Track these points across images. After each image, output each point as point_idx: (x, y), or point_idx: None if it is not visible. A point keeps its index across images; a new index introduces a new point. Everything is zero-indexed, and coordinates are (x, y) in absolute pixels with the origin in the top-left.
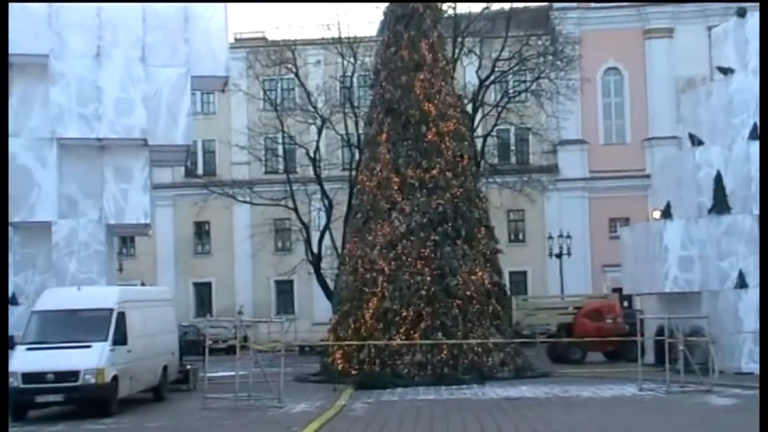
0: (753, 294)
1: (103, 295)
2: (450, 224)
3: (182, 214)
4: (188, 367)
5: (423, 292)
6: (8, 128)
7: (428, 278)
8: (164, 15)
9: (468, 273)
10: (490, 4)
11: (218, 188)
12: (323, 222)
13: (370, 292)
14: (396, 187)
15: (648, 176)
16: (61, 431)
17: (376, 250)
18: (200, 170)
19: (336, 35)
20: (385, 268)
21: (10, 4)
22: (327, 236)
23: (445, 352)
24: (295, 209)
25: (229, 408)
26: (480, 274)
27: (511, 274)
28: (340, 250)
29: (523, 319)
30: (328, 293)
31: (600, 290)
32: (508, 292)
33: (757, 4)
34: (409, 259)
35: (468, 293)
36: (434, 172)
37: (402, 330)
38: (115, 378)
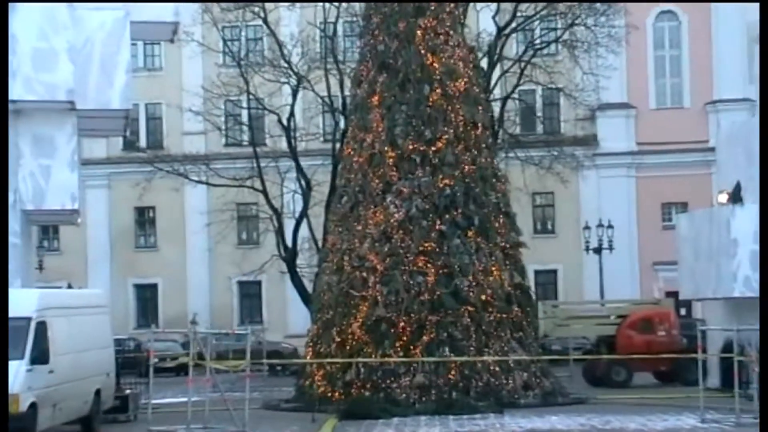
0: None
1: (17, 301)
2: (460, 210)
3: (120, 198)
4: (127, 391)
5: (425, 297)
6: (8, 127)
7: (432, 279)
8: None
9: (483, 272)
10: None
11: (166, 165)
12: (299, 208)
13: (358, 296)
14: (391, 164)
15: (712, 149)
16: None
17: (366, 243)
18: (143, 142)
19: None
20: (378, 266)
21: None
22: (304, 226)
23: (453, 372)
24: (264, 191)
25: None
26: (498, 273)
27: (537, 273)
28: (320, 243)
29: (552, 330)
30: (306, 298)
31: (650, 294)
32: (534, 297)
33: (757, 4)
34: (408, 255)
35: (483, 298)
36: (440, 144)
37: (399, 344)
38: (33, 406)
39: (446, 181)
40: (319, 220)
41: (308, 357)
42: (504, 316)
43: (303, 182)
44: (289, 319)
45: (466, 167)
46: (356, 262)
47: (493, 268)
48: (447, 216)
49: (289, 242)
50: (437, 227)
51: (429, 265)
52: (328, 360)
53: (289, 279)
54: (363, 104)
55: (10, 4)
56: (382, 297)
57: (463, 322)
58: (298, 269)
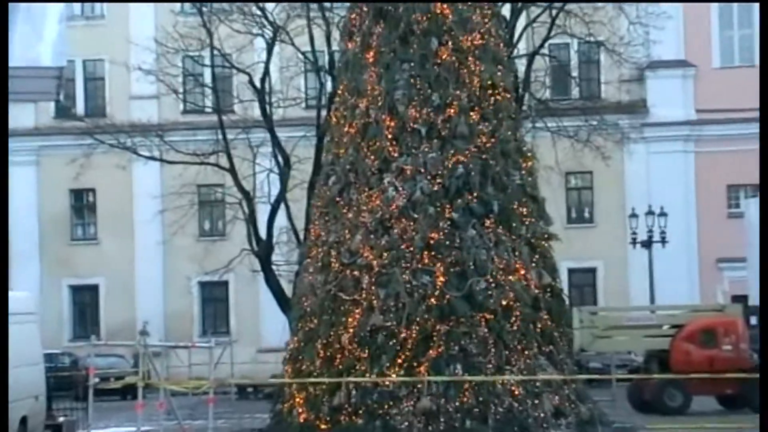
0: None
1: None
2: (475, 194)
3: (52, 178)
4: (61, 419)
5: (432, 302)
6: (8, 127)
7: (441, 279)
8: None
9: (503, 271)
10: None
11: (109, 137)
12: (275, 190)
13: (349, 300)
14: (390, 136)
15: None
16: None
17: (359, 234)
18: (80, 108)
19: None
20: (374, 263)
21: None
22: (282, 213)
23: (466, 395)
24: (232, 170)
25: None
26: (522, 272)
27: (571, 272)
28: (301, 235)
29: (590, 343)
30: (284, 302)
31: (712, 299)
32: (567, 302)
33: (757, 4)
34: (410, 250)
35: (503, 303)
36: (451, 111)
37: (399, 360)
38: None
39: (458, 157)
40: (301, 206)
41: (287, 376)
42: (530, 325)
43: (280, 159)
44: (262, 329)
45: (484, 140)
46: (347, 258)
47: (517, 266)
48: (459, 201)
49: (263, 233)
50: (447, 215)
51: (437, 261)
52: (312, 380)
53: (262, 279)
54: (355, 62)
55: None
56: (378, 301)
57: (480, 333)
58: (274, 267)
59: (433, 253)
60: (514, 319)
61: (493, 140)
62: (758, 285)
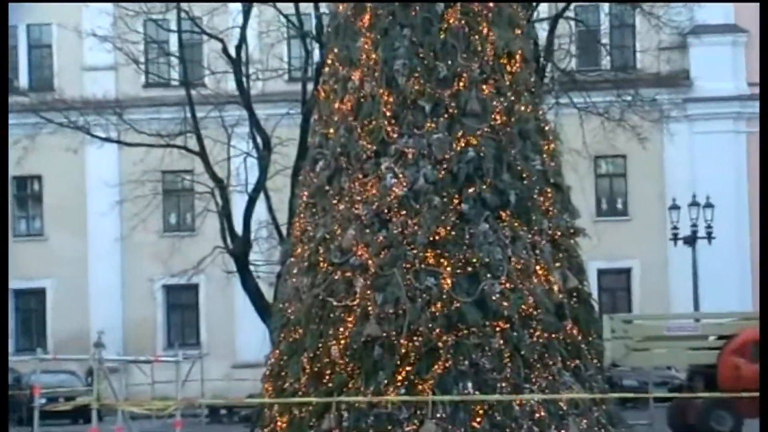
0: None
1: None
2: (489, 182)
3: None
4: None
5: (438, 308)
6: (8, 127)
7: (448, 282)
8: None
9: (522, 272)
10: None
11: (58, 115)
12: (254, 178)
13: (340, 307)
14: (389, 114)
15: None
16: None
17: (351, 229)
18: (23, 81)
19: None
20: (369, 263)
21: None
22: (261, 204)
23: (479, 418)
24: (203, 154)
25: None
26: (544, 274)
27: (601, 274)
28: (284, 230)
29: (624, 357)
30: (263, 309)
31: None
32: (597, 308)
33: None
34: (412, 247)
35: (522, 310)
36: (459, 85)
37: (400, 377)
38: None
39: (469, 138)
40: (284, 197)
41: (267, 396)
42: (553, 336)
43: (259, 140)
44: (238, 340)
45: (498, 119)
46: (337, 257)
47: (538, 267)
48: (470, 190)
49: (238, 228)
50: (455, 207)
51: (443, 261)
52: (297, 400)
53: (238, 282)
54: (347, 26)
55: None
56: (374, 308)
57: (494, 346)
58: (252, 268)
59: (438, 251)
60: (533, 328)
61: (509, 119)
62: (759, 284)
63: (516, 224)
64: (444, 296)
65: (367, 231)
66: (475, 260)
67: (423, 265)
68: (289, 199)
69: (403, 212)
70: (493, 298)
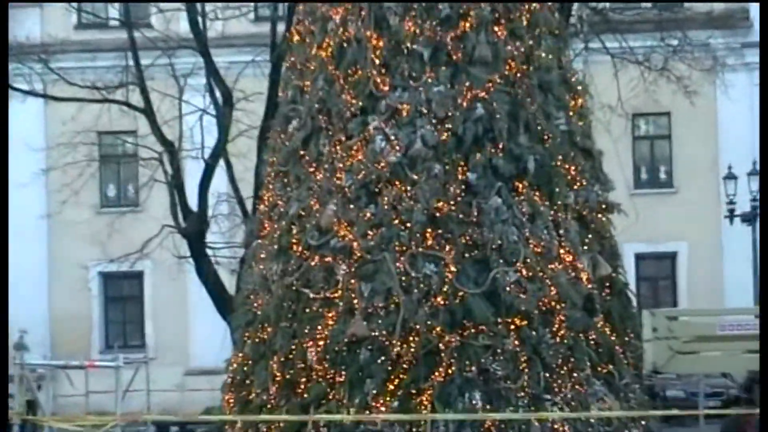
0: None
1: None
2: (502, 146)
3: None
4: None
5: (440, 301)
6: (8, 129)
7: (451, 269)
8: None
9: (542, 257)
10: None
11: None
12: (211, 141)
13: (319, 300)
14: (379, 62)
15: None
16: None
17: (332, 203)
18: None
19: None
20: (354, 246)
21: None
22: (220, 173)
23: None
24: (148, 111)
25: None
26: (569, 259)
27: (640, 259)
28: (249, 206)
29: (668, 361)
30: (223, 302)
31: None
32: (635, 301)
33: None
34: (408, 226)
35: (543, 303)
36: (465, 26)
37: (392, 386)
38: None
39: (477, 92)
40: (249, 164)
41: (228, 410)
42: (580, 335)
43: (218, 94)
44: (192, 341)
45: (514, 68)
46: (315, 238)
47: (562, 251)
48: (478, 156)
49: (192, 203)
50: (461, 176)
51: (446, 243)
52: (265, 417)
53: (192, 269)
54: None
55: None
56: (360, 301)
57: (507, 347)
58: (209, 251)
59: (439, 231)
60: (556, 326)
61: (526, 67)
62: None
63: (535, 198)
64: (446, 287)
65: (352, 206)
66: (484, 243)
67: (420, 249)
68: (255, 167)
69: (396, 183)
70: (507, 288)
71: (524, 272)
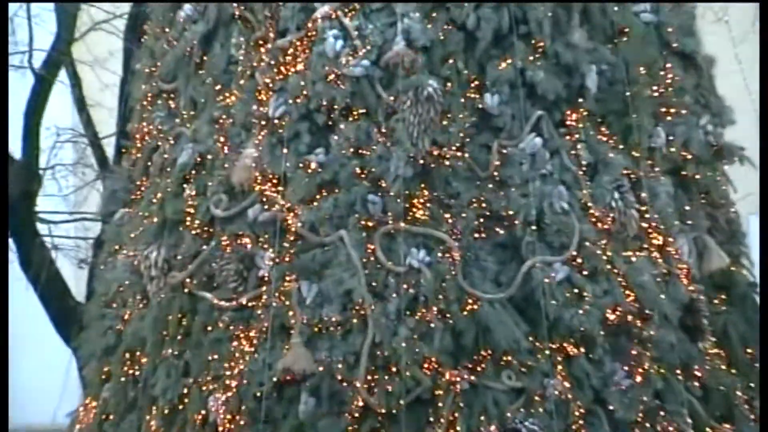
0: None
1: None
2: (541, 46)
3: None
4: None
5: (436, 312)
6: (8, 128)
7: (456, 257)
8: None
9: (612, 239)
10: None
11: None
12: (46, 42)
13: (229, 312)
14: None
15: None
16: None
17: (251, 147)
18: None
19: None
20: (289, 219)
21: None
22: (59, 101)
23: None
24: None
25: None
26: (658, 242)
27: None
28: (111, 152)
29: None
30: (66, 315)
31: None
32: None
33: (757, 4)
34: (382, 186)
35: (613, 317)
36: None
37: None
38: None
39: None
40: (109, 78)
41: None
42: (676, 371)
43: None
44: (14, 379)
45: None
46: (221, 204)
47: (646, 226)
48: (503, 64)
49: (15, 145)
50: (472, 98)
51: (445, 214)
52: None
53: (16, 262)
54: None
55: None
56: (300, 313)
57: (550, 392)
58: (41, 226)
59: (435, 193)
60: (636, 356)
61: None
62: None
63: (600, 137)
64: (446, 288)
65: (285, 151)
66: (511, 213)
67: (403, 224)
68: (119, 84)
69: (361, 110)
70: (551, 293)
71: (579, 264)
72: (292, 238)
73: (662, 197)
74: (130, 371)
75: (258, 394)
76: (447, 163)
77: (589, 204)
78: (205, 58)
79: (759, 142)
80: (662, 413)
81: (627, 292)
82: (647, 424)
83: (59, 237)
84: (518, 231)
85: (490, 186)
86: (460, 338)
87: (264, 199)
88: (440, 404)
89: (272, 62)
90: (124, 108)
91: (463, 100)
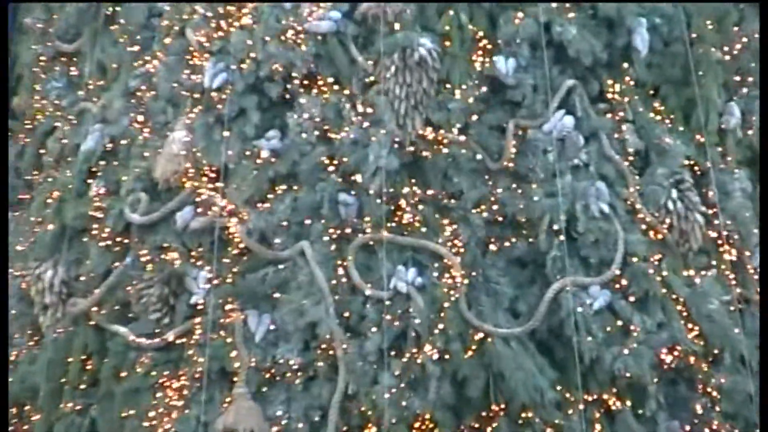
0: None
1: None
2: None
3: None
4: None
5: (431, 353)
6: (8, 126)
7: (456, 279)
8: None
9: (669, 253)
10: None
11: None
12: None
13: (150, 352)
14: None
15: None
16: None
17: (179, 129)
18: None
19: None
20: (230, 226)
21: None
22: None
23: None
24: None
25: None
26: (731, 255)
27: None
28: None
29: None
30: None
31: None
32: None
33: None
34: (356, 182)
35: (671, 356)
36: None
37: None
38: None
39: None
40: None
41: None
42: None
43: None
44: None
45: None
46: (138, 206)
47: (714, 235)
48: (518, 16)
49: None
50: (478, 61)
51: (443, 219)
52: None
53: None
54: None
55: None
56: (245, 354)
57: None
58: None
59: (429, 191)
60: (703, 409)
61: None
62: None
63: (652, 114)
64: (446, 320)
65: (226, 134)
66: (533, 217)
67: (386, 231)
68: None
69: (329, 78)
70: (587, 325)
71: (625, 287)
72: (235, 252)
73: (737, 196)
74: (17, 429)
75: None
76: (445, 150)
77: (638, 206)
78: (117, 8)
79: (759, 140)
80: None
81: (689, 325)
82: None
83: None
84: (542, 242)
85: (504, 181)
86: (463, 387)
87: (197, 200)
88: None
89: (208, 14)
90: (6, 76)
91: (467, 64)
